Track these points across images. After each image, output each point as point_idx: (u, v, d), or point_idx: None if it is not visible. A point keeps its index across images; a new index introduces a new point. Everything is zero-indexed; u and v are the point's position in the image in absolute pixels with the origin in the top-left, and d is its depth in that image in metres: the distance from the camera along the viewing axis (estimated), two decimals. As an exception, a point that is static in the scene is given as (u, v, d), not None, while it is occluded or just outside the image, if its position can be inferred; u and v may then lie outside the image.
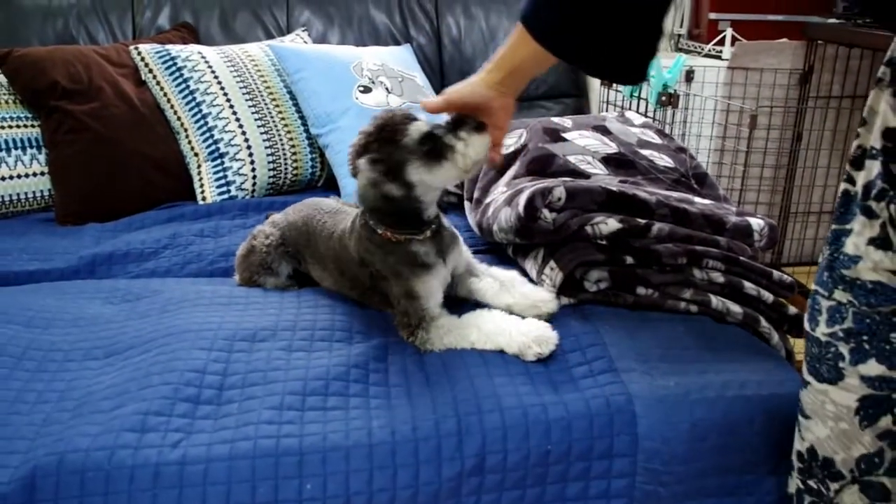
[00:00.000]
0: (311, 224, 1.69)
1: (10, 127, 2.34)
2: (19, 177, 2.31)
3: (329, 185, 2.49)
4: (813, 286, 1.18)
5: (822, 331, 1.16)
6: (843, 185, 1.14)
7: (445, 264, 1.53)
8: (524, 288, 1.55)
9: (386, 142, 1.40)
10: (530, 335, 1.41)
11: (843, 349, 1.13)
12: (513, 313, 1.48)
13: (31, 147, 2.35)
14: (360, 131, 1.44)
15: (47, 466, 1.16)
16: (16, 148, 2.32)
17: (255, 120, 2.42)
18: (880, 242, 1.08)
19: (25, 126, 2.37)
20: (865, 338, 1.11)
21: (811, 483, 1.22)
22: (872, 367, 1.12)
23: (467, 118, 1.39)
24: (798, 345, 2.11)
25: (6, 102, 2.38)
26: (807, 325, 1.20)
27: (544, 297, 1.52)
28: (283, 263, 1.74)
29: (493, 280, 1.58)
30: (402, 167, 1.40)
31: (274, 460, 1.20)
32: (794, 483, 1.27)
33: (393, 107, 1.45)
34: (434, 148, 1.38)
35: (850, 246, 1.11)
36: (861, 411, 1.14)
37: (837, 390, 1.15)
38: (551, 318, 1.49)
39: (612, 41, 1.23)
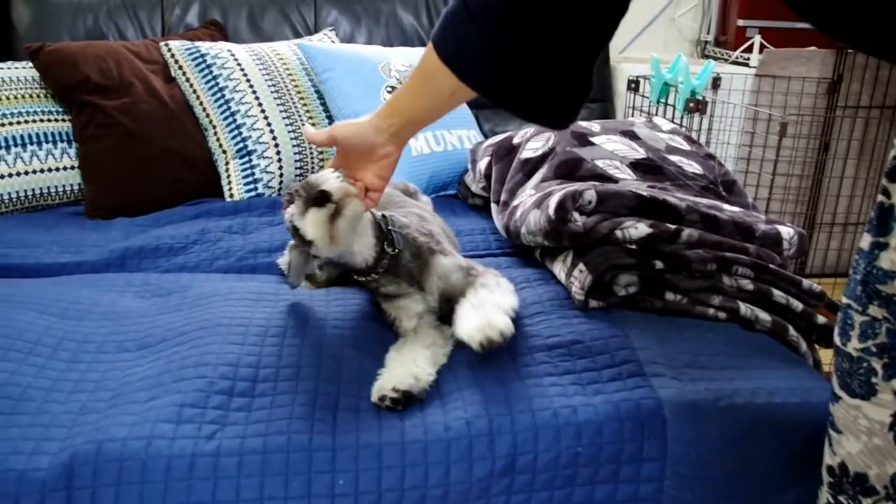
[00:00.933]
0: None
1: (42, 121, 2.36)
2: (49, 170, 2.33)
3: (355, 185, 2.49)
4: (844, 300, 1.15)
5: (853, 346, 1.12)
6: (879, 197, 1.11)
7: (423, 289, 1.55)
8: (476, 313, 1.38)
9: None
10: (394, 377, 1.34)
11: (876, 364, 1.10)
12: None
13: (62, 141, 2.37)
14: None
15: (85, 454, 1.17)
16: (46, 142, 2.34)
17: (283, 118, 2.43)
18: None
19: (56, 120, 2.39)
20: None
21: (842, 499, 1.21)
22: None
23: (303, 193, 1.43)
24: (826, 355, 2.10)
25: (38, 97, 2.40)
26: (837, 340, 1.16)
27: (482, 324, 1.35)
28: None
29: (464, 303, 1.45)
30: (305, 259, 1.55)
31: (307, 455, 1.21)
32: (823, 497, 1.26)
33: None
34: (297, 234, 1.47)
35: (887, 261, 1.08)
36: (895, 427, 1.12)
37: (870, 406, 1.12)
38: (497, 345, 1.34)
39: (543, 84, 1.21)
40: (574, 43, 1.19)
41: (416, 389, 1.32)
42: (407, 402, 1.31)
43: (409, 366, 1.36)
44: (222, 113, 2.40)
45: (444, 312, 1.54)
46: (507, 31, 1.16)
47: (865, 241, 1.12)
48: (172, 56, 2.48)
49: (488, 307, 1.39)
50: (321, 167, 2.44)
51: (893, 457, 1.12)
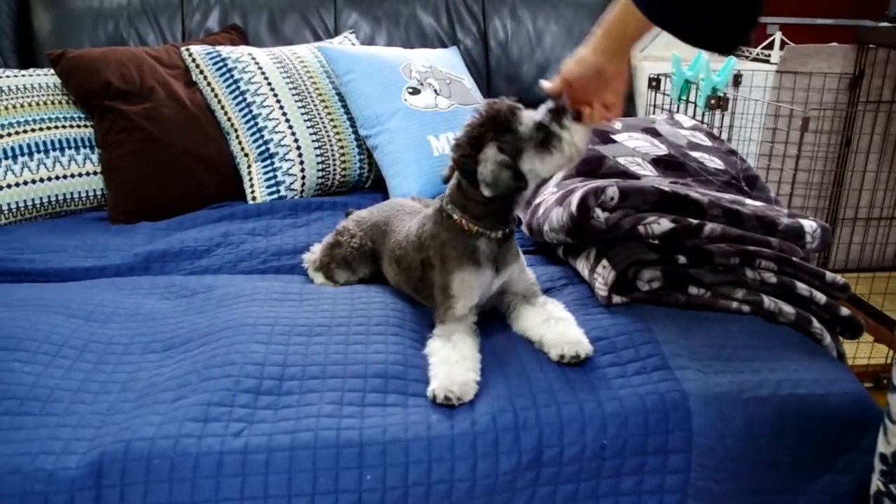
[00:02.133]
0: (392, 223, 1.73)
1: (64, 127, 2.38)
2: (73, 176, 2.35)
3: (376, 187, 2.50)
4: None
5: None
6: None
7: (497, 274, 1.53)
8: (560, 326, 1.47)
9: (502, 131, 1.42)
10: (457, 378, 1.35)
11: None
12: (542, 348, 1.45)
13: (84, 147, 2.38)
14: (468, 124, 1.45)
15: (114, 453, 1.18)
16: (69, 147, 2.36)
17: (305, 121, 2.44)
18: None
19: (79, 126, 2.40)
20: None
21: (892, 488, 1.20)
22: None
23: (564, 107, 1.42)
24: (850, 347, 2.09)
25: (60, 103, 2.41)
26: None
27: (572, 339, 1.43)
28: (363, 265, 1.79)
29: (539, 310, 1.53)
30: (519, 155, 1.43)
31: (335, 451, 1.21)
32: (874, 484, 1.25)
33: (498, 99, 1.47)
34: (545, 137, 1.41)
35: None
36: None
37: None
38: (577, 362, 1.40)
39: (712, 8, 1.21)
40: None
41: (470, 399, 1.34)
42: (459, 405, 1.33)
43: (469, 370, 1.37)
44: (244, 116, 2.41)
45: (485, 309, 1.56)
46: None
47: None
48: (193, 60, 2.49)
49: (572, 326, 1.48)
50: (343, 169, 2.45)
51: None
